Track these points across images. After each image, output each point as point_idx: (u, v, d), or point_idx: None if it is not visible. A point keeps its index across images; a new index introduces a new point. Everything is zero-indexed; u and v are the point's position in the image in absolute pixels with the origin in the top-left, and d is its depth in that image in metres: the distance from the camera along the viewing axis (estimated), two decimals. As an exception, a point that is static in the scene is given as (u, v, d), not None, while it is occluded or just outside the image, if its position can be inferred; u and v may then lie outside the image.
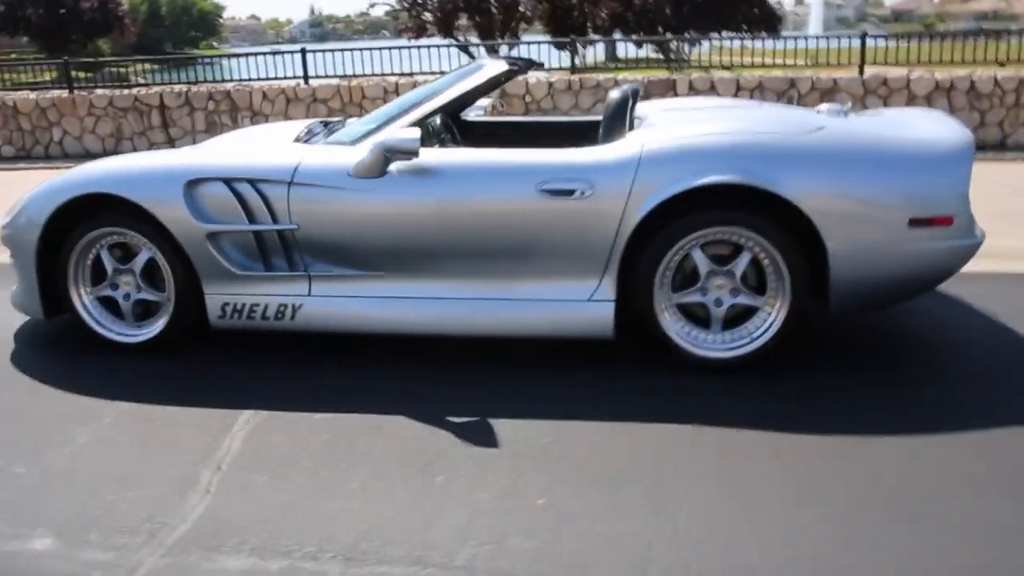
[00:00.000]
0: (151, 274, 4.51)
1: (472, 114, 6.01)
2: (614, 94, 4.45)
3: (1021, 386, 3.98)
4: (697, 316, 4.16)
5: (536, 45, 13.88)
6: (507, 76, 4.70)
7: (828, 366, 4.25)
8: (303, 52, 12.58)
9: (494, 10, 31.32)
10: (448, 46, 14.61)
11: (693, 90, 11.26)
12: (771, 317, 4.08)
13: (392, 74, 12.56)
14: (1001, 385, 4.00)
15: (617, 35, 31.41)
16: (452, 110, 4.97)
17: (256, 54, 13.52)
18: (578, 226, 4.03)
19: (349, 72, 12.64)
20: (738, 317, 4.14)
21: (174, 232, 4.29)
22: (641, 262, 4.03)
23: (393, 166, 4.13)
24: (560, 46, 13.19)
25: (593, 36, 31.57)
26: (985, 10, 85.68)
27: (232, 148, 4.72)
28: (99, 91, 12.71)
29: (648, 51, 26.65)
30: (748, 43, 14.71)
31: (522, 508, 3.03)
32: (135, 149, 12.30)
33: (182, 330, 4.52)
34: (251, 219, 4.26)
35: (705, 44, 19.02)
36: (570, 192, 3.99)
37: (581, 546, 2.80)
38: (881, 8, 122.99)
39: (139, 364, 4.44)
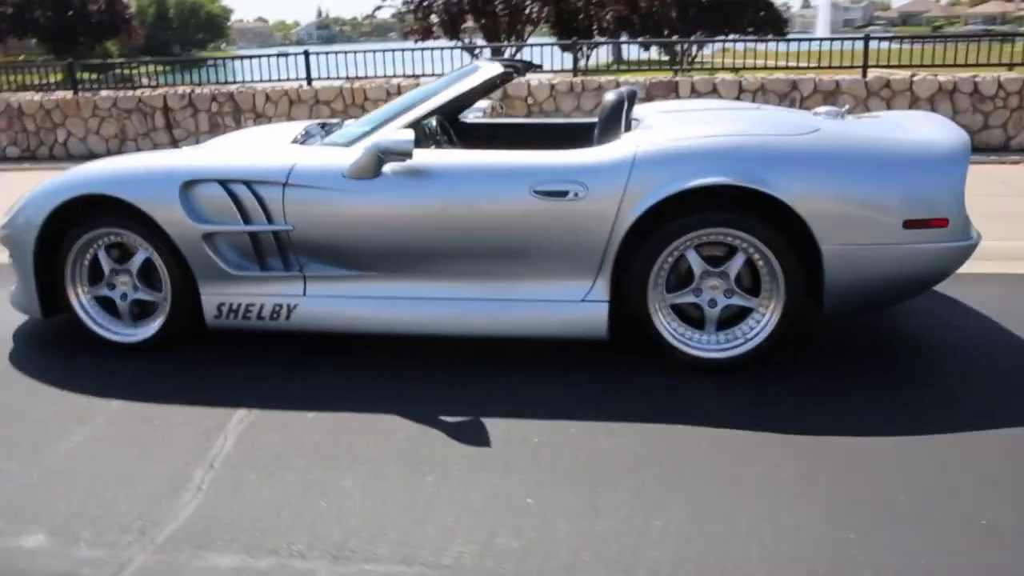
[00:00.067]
0: (148, 274, 4.53)
1: (471, 116, 6.02)
2: (609, 96, 4.46)
3: (1020, 386, 3.98)
4: (691, 317, 4.17)
5: (539, 47, 13.89)
6: (503, 78, 4.72)
7: (824, 367, 4.25)
8: (306, 54, 12.59)
9: (500, 12, 31.31)
10: (451, 48, 14.58)
11: (695, 92, 11.26)
12: (765, 318, 4.09)
13: (395, 76, 12.57)
14: (1000, 386, 4.00)
15: (623, 37, 31.39)
16: (448, 112, 4.98)
17: (259, 56, 13.52)
18: (572, 227, 4.04)
19: (353, 74, 12.65)
20: (732, 318, 4.15)
21: (170, 233, 4.31)
22: (635, 263, 4.04)
23: (387, 167, 4.14)
24: (565, 48, 13.18)
25: (599, 39, 31.57)
26: (994, 13, 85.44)
27: (228, 149, 4.74)
28: (103, 93, 12.75)
29: (654, 53, 26.63)
30: (752, 46, 14.64)
31: (511, 508, 3.04)
32: (139, 150, 12.31)
33: (178, 330, 4.54)
34: (246, 220, 4.27)
35: (711, 46, 19.04)
36: (564, 193, 4.00)
37: (568, 546, 2.80)
38: (889, 10, 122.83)
39: (136, 364, 4.46)
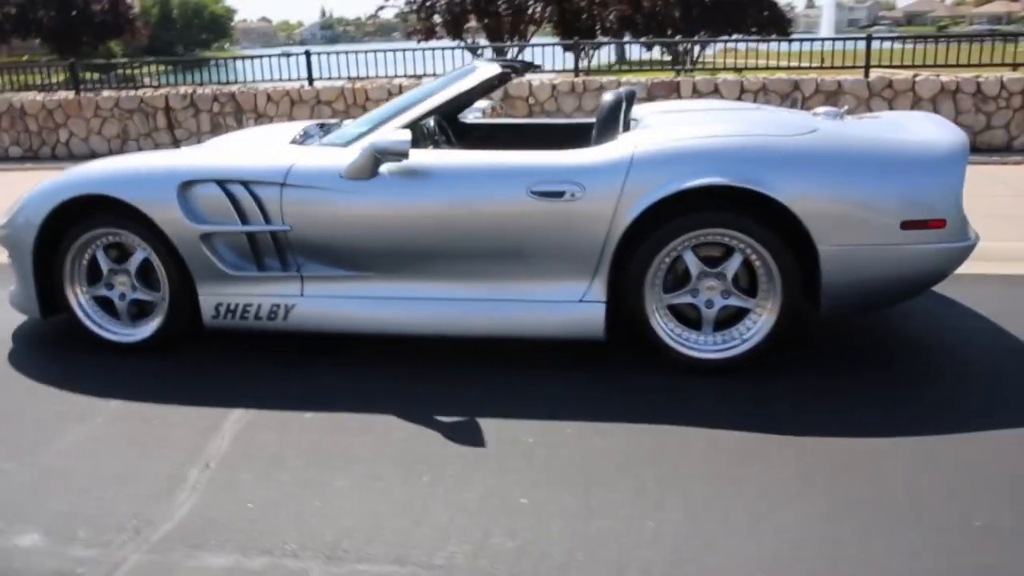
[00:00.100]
0: (146, 274, 4.53)
1: (471, 116, 6.03)
2: (607, 97, 4.46)
3: (1017, 387, 3.97)
4: (688, 317, 4.17)
5: (541, 48, 13.89)
6: (501, 79, 4.72)
7: (822, 367, 4.25)
8: (307, 54, 12.60)
9: (502, 12, 31.34)
10: (452, 48, 14.57)
11: (697, 92, 11.25)
12: (762, 319, 4.08)
13: (396, 76, 12.58)
14: (998, 386, 3.99)
15: (626, 37, 31.40)
16: (445, 112, 4.98)
17: (262, 56, 13.53)
18: (569, 228, 4.04)
19: (356, 74, 12.66)
20: (730, 318, 4.15)
21: (168, 233, 4.31)
22: (632, 263, 4.04)
23: (384, 168, 4.14)
24: (567, 48, 13.18)
25: (601, 39, 31.58)
26: (999, 13, 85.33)
27: (227, 150, 4.74)
28: (105, 93, 12.78)
29: (657, 53, 26.63)
30: (755, 46, 14.64)
31: (506, 508, 3.04)
32: (140, 150, 12.34)
33: (176, 330, 4.54)
34: (244, 220, 4.28)
35: (713, 46, 19.04)
36: (560, 194, 4.00)
37: (562, 546, 2.80)
38: (893, 10, 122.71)
39: (135, 363, 4.46)
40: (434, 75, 12.45)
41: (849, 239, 3.91)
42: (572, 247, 4.07)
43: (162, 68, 15.07)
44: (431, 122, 4.83)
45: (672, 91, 11.30)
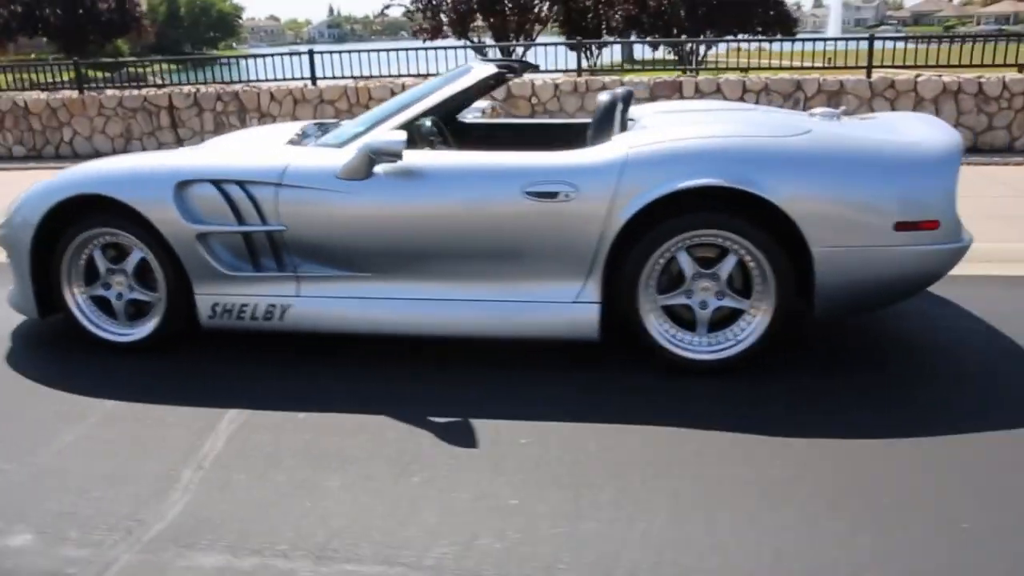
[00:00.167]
0: (143, 274, 4.55)
1: (470, 116, 6.04)
2: (603, 97, 4.47)
3: (1011, 389, 3.97)
4: (683, 318, 4.17)
5: (543, 47, 13.90)
6: (496, 79, 4.73)
7: (817, 368, 4.25)
8: (311, 53, 12.62)
9: (508, 11, 31.34)
10: (455, 47, 14.58)
11: (699, 92, 11.25)
12: (756, 320, 4.09)
13: (399, 76, 12.59)
14: (992, 388, 3.99)
15: (632, 37, 31.38)
16: (441, 113, 4.98)
17: (264, 55, 13.53)
18: (562, 228, 4.05)
19: (361, 73, 12.67)
20: (724, 319, 4.15)
21: (164, 233, 4.33)
22: (626, 264, 4.05)
23: (379, 168, 4.16)
24: (572, 47, 13.20)
25: (607, 38, 31.57)
26: (1007, 12, 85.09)
27: (223, 150, 4.75)
28: (109, 92, 12.82)
29: (663, 53, 26.63)
30: (760, 45, 14.61)
31: (495, 509, 3.05)
32: (144, 149, 12.40)
33: (173, 330, 4.56)
34: (240, 220, 4.29)
35: (720, 46, 19.04)
36: (554, 194, 4.01)
37: (549, 547, 2.81)
38: (901, 10, 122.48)
39: (132, 363, 4.48)
40: (438, 75, 12.45)
41: (842, 240, 3.91)
42: (566, 248, 4.08)
43: (168, 67, 15.11)
44: (427, 122, 4.84)
45: (674, 91, 11.30)
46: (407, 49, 12.98)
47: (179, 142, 12.33)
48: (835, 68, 11.91)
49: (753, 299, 4.08)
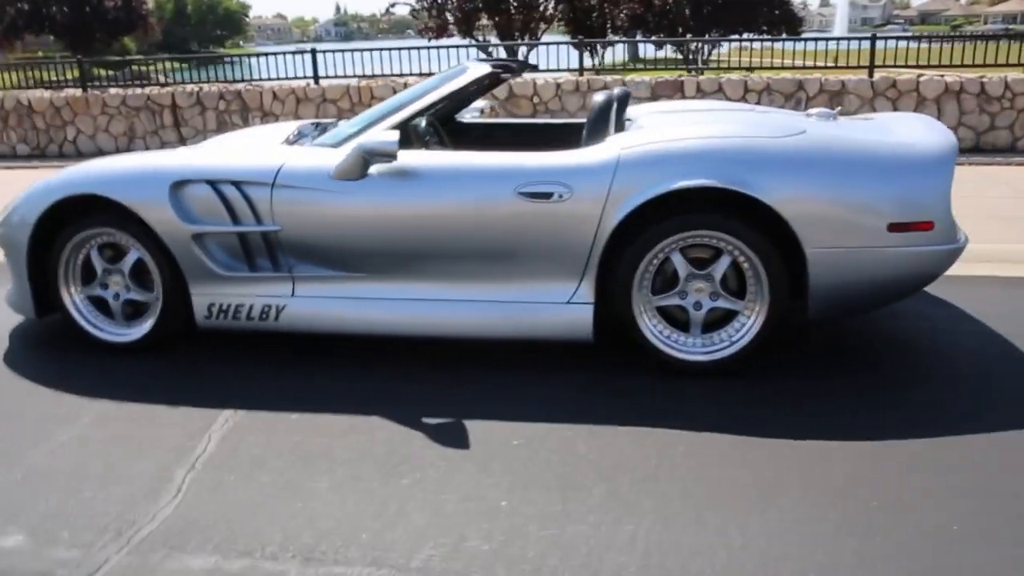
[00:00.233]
0: (140, 274, 4.56)
1: (468, 116, 6.04)
2: (597, 97, 4.47)
3: (1006, 390, 3.96)
4: (677, 319, 4.17)
5: (546, 46, 13.89)
6: (491, 79, 4.73)
7: (811, 369, 4.25)
8: (313, 52, 12.63)
9: (514, 10, 31.30)
10: (458, 46, 14.59)
11: (701, 92, 11.23)
12: (750, 321, 4.08)
13: (402, 75, 12.59)
14: (987, 389, 3.99)
15: (637, 36, 31.34)
16: (437, 113, 4.99)
17: (270, 54, 13.56)
18: (556, 229, 4.05)
19: (364, 72, 12.68)
20: (718, 320, 4.15)
21: (160, 233, 4.33)
22: (620, 265, 4.05)
23: (373, 168, 4.16)
24: (577, 47, 13.18)
25: (612, 37, 31.53)
26: (1015, 11, 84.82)
27: (219, 149, 4.76)
28: (112, 90, 12.85)
29: (669, 52, 26.60)
30: (766, 44, 14.61)
31: (483, 510, 3.05)
32: (148, 148, 12.42)
33: (170, 330, 4.56)
34: (235, 220, 4.30)
35: (725, 45, 19.00)
36: (548, 195, 4.01)
37: (537, 549, 2.81)
38: (908, 9, 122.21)
39: (129, 364, 4.48)
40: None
41: (836, 241, 3.91)
42: (560, 248, 4.08)
43: (174, 65, 15.13)
44: (423, 122, 4.84)
45: (676, 90, 11.30)
46: (410, 48, 12.98)
47: (182, 141, 12.35)
48: (837, 68, 11.89)
49: (747, 300, 4.08)
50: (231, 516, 3.06)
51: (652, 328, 4.14)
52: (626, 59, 26.36)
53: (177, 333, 4.60)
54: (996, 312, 4.90)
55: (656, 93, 11.21)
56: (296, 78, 12.76)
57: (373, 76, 12.65)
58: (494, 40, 31.08)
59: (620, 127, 4.55)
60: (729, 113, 4.98)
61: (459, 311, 4.24)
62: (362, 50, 12.90)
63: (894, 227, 3.91)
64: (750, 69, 12.14)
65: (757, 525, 2.92)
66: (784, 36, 23.66)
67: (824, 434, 3.56)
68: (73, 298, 4.64)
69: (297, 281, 4.35)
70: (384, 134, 4.08)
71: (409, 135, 4.48)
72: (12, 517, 3.08)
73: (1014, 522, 2.93)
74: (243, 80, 13.57)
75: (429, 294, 4.27)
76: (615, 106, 4.52)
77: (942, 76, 10.82)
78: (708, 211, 3.97)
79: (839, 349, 4.51)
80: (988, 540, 2.82)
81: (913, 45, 12.63)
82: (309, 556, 2.81)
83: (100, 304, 4.66)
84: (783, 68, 12.99)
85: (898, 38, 13.54)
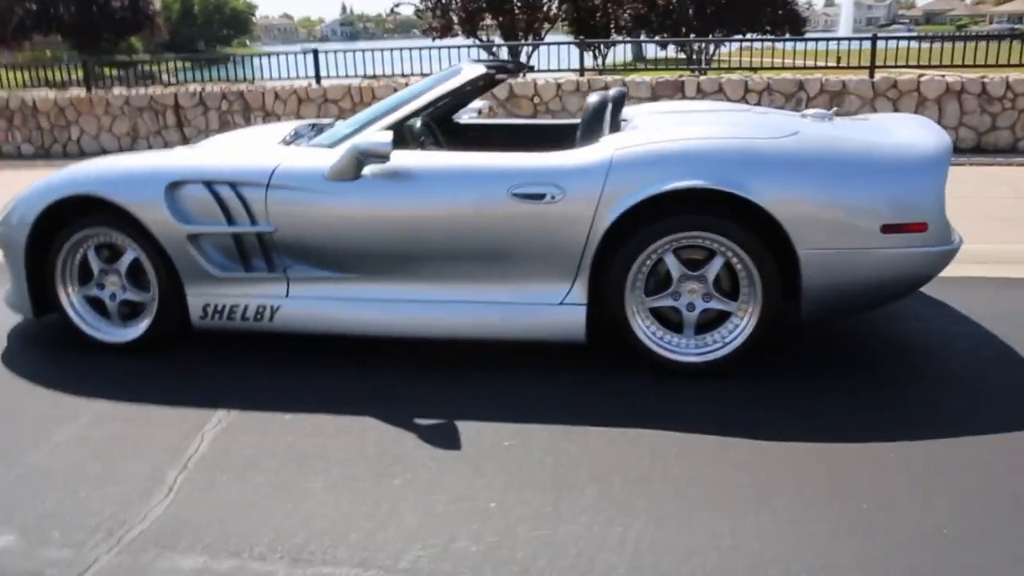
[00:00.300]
0: (136, 275, 4.57)
1: (465, 116, 6.04)
2: (592, 98, 4.47)
3: (1002, 391, 3.96)
4: (670, 320, 4.17)
5: (548, 47, 13.90)
6: (486, 79, 4.73)
7: (805, 370, 4.25)
8: (315, 52, 12.65)
9: (517, 10, 31.34)
10: (460, 47, 14.60)
11: (701, 92, 11.23)
12: (744, 322, 4.08)
13: (404, 75, 12.61)
14: (982, 390, 3.98)
15: (641, 36, 31.34)
16: (432, 113, 5.00)
17: (276, 53, 13.57)
18: (549, 230, 4.05)
19: (366, 72, 12.69)
20: (711, 322, 4.15)
21: (156, 233, 4.35)
22: (613, 266, 4.05)
23: (367, 169, 4.17)
24: (578, 46, 13.18)
25: (615, 37, 31.54)
26: (1020, 11, 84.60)
27: (216, 150, 4.77)
28: (115, 90, 12.88)
29: (673, 52, 26.60)
30: (769, 44, 14.59)
31: (474, 511, 3.06)
32: (151, 148, 12.44)
33: (166, 330, 4.58)
34: (230, 221, 4.31)
35: (727, 45, 18.99)
36: (541, 196, 4.02)
37: (526, 550, 2.82)
38: (913, 8, 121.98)
39: (126, 364, 4.50)
40: (440, 74, 12.44)
41: (829, 243, 3.91)
42: (553, 249, 4.09)
43: (180, 65, 15.15)
44: (418, 123, 4.85)
45: (677, 90, 11.29)
46: (412, 48, 13.00)
47: (185, 141, 12.36)
48: (838, 68, 11.89)
49: (740, 301, 4.08)
50: (223, 516, 3.07)
51: (645, 329, 4.15)
52: (628, 59, 26.36)
53: (173, 333, 4.61)
54: (993, 313, 4.89)
55: (656, 93, 11.21)
56: (299, 78, 12.76)
57: (375, 76, 12.67)
58: (498, 40, 31.10)
59: (616, 128, 4.55)
60: (724, 114, 4.98)
61: (452, 312, 4.25)
62: (364, 50, 12.90)
63: (887, 228, 3.91)
64: (753, 69, 12.14)
65: (750, 526, 2.92)
66: (787, 36, 23.59)
67: (817, 435, 3.56)
68: (70, 298, 4.66)
69: (292, 282, 4.36)
70: (378, 135, 4.09)
71: (404, 136, 4.49)
72: (7, 517, 3.09)
73: (1008, 523, 2.93)
74: (245, 80, 13.57)
75: (423, 295, 4.27)
76: (610, 107, 4.51)
77: (943, 76, 10.81)
78: (701, 212, 3.97)
79: (832, 350, 4.51)
80: (982, 541, 2.82)
81: (915, 45, 12.60)
82: (297, 557, 2.82)
83: (97, 304, 4.67)
84: (786, 68, 12.96)
85: (899, 38, 13.51)
